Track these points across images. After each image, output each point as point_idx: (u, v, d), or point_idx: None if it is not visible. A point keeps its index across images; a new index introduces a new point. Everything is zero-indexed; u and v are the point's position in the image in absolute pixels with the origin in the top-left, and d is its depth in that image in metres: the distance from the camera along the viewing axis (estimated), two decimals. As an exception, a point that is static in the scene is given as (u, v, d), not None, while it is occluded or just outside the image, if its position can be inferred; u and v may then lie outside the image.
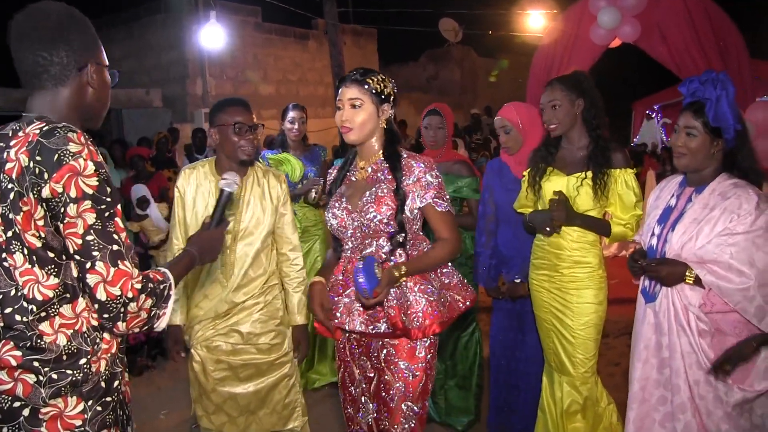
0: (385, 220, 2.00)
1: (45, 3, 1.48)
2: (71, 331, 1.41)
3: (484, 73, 17.73)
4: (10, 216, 1.36)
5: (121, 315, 1.38)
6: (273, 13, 12.29)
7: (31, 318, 1.37)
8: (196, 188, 2.51)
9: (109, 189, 1.39)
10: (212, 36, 10.66)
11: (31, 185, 1.33)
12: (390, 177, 2.05)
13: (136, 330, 1.45)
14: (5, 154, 1.38)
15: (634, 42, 5.41)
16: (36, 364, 1.38)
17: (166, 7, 11.92)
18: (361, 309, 2.03)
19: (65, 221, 1.34)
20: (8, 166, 1.36)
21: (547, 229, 2.53)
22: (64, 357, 1.39)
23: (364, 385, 2.13)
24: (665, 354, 2.13)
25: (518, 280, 2.95)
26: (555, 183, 2.63)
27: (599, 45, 5.53)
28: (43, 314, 1.38)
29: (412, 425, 2.05)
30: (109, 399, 1.48)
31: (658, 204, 2.27)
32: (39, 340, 1.38)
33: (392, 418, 2.03)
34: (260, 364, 2.56)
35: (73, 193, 1.33)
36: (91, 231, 1.35)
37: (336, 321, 2.05)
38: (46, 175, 1.32)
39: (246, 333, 2.53)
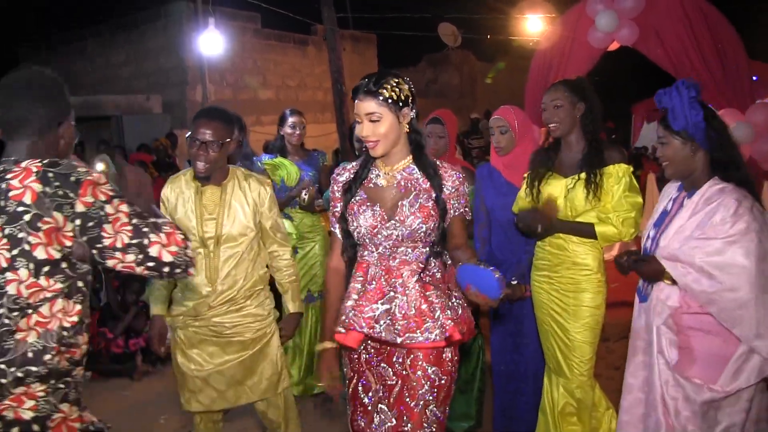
0: (429, 231, 2.00)
1: (39, 68, 1.74)
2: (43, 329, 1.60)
3: (483, 77, 17.75)
4: (20, 235, 1.57)
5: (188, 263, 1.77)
6: (272, 19, 12.34)
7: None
8: (177, 196, 2.56)
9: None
10: (211, 42, 10.70)
11: (56, 206, 1.58)
12: (427, 185, 2.03)
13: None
14: (4, 183, 1.60)
15: (632, 45, 5.42)
16: None
17: (165, 13, 11.97)
18: (395, 318, 1.97)
19: (110, 220, 1.62)
20: (13, 193, 1.59)
21: (538, 231, 2.56)
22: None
23: (381, 393, 2.08)
24: (649, 353, 2.19)
25: (515, 282, 2.95)
26: (553, 186, 2.66)
27: (597, 48, 5.53)
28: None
29: (433, 430, 2.03)
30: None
31: (657, 207, 2.31)
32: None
33: (414, 423, 2.00)
34: (244, 341, 2.59)
35: (102, 198, 1.63)
36: (132, 216, 1.66)
37: (367, 330, 2.00)
38: (72, 195, 1.59)
39: (230, 327, 2.56)
